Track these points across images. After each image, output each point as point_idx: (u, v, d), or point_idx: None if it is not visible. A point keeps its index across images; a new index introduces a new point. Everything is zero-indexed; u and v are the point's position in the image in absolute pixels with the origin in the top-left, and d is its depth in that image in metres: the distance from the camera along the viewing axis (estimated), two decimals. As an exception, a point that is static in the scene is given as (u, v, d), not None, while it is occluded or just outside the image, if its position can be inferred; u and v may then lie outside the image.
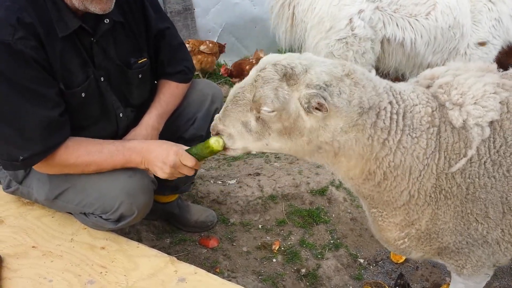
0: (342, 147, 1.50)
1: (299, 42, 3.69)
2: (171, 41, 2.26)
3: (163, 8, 5.62)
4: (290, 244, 2.78)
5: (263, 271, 2.59)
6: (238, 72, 4.66)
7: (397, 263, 2.69)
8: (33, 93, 1.73)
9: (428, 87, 1.65)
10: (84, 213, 2.03)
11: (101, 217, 1.98)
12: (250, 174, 3.26)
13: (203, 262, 2.57)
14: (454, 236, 1.64)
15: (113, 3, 1.84)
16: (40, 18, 1.75)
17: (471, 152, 1.52)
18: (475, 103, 1.53)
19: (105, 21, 1.91)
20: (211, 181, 3.18)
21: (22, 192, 2.15)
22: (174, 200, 2.69)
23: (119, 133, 2.14)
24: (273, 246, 2.75)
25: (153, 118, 2.17)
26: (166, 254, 1.98)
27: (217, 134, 1.65)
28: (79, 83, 1.89)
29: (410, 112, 1.53)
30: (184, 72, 2.31)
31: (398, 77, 3.70)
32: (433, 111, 1.55)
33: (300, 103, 1.45)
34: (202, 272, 1.88)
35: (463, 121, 1.53)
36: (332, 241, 2.82)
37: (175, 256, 1.99)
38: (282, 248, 2.75)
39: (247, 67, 4.55)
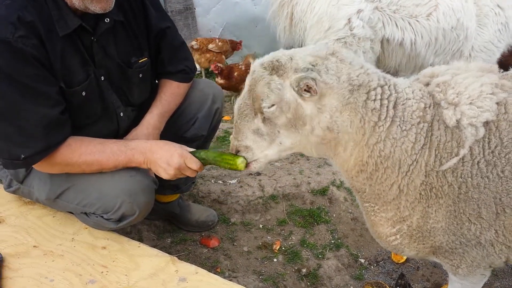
0: (340, 131, 1.55)
1: (298, 41, 3.69)
2: (172, 40, 2.26)
3: (164, 7, 5.64)
4: (291, 244, 2.78)
5: (264, 271, 2.59)
6: (228, 74, 4.51)
7: (398, 263, 2.69)
8: (34, 91, 1.73)
9: (427, 84, 1.66)
10: (85, 213, 2.03)
11: (102, 217, 1.98)
12: (251, 174, 3.26)
13: (204, 262, 2.57)
14: (447, 236, 1.64)
15: (113, 2, 1.84)
16: (40, 16, 1.75)
17: (463, 152, 1.53)
18: (470, 103, 1.54)
19: (105, 20, 1.91)
20: (212, 180, 3.18)
21: (23, 191, 2.16)
22: (175, 200, 2.69)
23: (120, 132, 2.14)
24: (274, 246, 2.75)
25: (154, 118, 2.17)
26: (167, 254, 1.98)
27: (238, 152, 1.70)
28: (80, 82, 1.89)
29: (402, 104, 1.55)
30: (185, 72, 2.30)
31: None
32: (425, 107, 1.56)
33: (293, 89, 1.50)
34: (203, 271, 1.88)
35: (457, 120, 1.54)
36: (333, 241, 2.82)
37: (176, 256, 1.99)
38: (283, 248, 2.75)
39: (236, 73, 4.51)
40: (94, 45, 1.92)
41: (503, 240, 1.62)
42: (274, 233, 2.86)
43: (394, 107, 1.54)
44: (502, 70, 1.72)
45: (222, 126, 4.20)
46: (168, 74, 2.28)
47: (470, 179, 1.54)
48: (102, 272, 1.87)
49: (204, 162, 1.88)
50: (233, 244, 2.75)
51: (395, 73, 3.70)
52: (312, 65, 1.50)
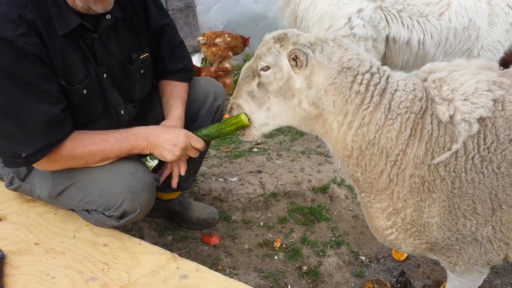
0: (325, 109, 1.65)
1: None
2: (172, 38, 2.28)
3: (164, 5, 5.65)
4: (292, 241, 2.79)
5: (264, 268, 2.59)
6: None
7: (398, 261, 2.70)
8: (35, 89, 1.73)
9: (425, 80, 1.68)
10: (87, 210, 2.04)
11: (103, 214, 1.98)
12: (251, 172, 3.26)
13: (205, 259, 2.58)
14: (442, 232, 1.65)
15: (113, 0, 1.85)
16: (40, 14, 1.75)
17: (456, 147, 1.55)
18: (465, 99, 1.56)
19: (106, 17, 1.91)
20: (213, 178, 3.18)
21: (24, 189, 2.16)
22: (176, 198, 2.69)
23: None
24: (275, 244, 2.76)
25: (179, 108, 2.20)
26: (168, 251, 1.98)
27: (231, 110, 1.88)
28: (80, 80, 1.89)
29: (391, 94, 1.61)
30: (184, 71, 2.32)
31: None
32: (414, 99, 1.60)
33: (287, 58, 1.66)
34: (204, 269, 1.88)
35: (450, 116, 1.56)
36: (333, 239, 2.83)
37: (177, 253, 2.00)
38: (284, 246, 2.75)
39: (203, 74, 4.51)
40: (96, 42, 1.92)
41: (501, 237, 1.62)
42: (275, 231, 2.86)
43: (381, 94, 1.60)
44: (502, 68, 1.72)
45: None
46: (167, 73, 2.29)
47: (464, 174, 1.55)
48: (103, 269, 1.87)
49: (207, 139, 2.02)
50: (234, 242, 2.76)
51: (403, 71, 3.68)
52: (311, 44, 1.65)
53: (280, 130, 4.04)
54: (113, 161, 1.94)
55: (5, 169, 2.15)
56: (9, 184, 2.19)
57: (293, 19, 3.55)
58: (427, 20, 3.28)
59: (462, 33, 3.33)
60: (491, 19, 3.41)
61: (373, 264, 2.72)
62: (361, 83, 1.60)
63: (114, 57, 2.01)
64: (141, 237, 2.57)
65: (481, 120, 1.54)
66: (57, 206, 2.18)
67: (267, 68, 1.69)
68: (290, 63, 1.66)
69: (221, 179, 3.17)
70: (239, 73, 1.89)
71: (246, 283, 2.16)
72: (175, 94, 2.25)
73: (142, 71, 2.14)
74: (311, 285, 2.54)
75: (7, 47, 1.67)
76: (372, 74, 1.62)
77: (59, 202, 2.09)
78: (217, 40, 4.96)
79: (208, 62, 5.83)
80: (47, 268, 1.87)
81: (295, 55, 1.62)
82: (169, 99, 2.22)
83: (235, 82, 2.15)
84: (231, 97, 1.88)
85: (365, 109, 1.60)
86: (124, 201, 1.91)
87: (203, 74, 4.50)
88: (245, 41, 5.15)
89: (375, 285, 2.48)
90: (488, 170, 1.53)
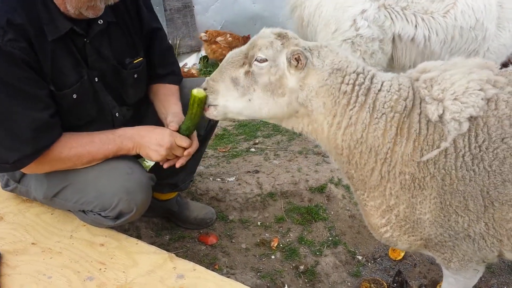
0: (314, 110, 1.68)
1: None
2: (161, 42, 2.29)
3: (162, 5, 5.65)
4: (289, 241, 2.79)
5: (261, 268, 2.60)
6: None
7: (395, 260, 2.70)
8: (23, 94, 1.72)
9: (417, 80, 1.69)
10: (83, 211, 2.04)
11: (100, 214, 1.98)
12: (249, 172, 3.27)
13: (202, 259, 2.58)
14: (434, 228, 1.67)
15: (104, 6, 1.84)
16: (30, 19, 1.73)
17: (444, 145, 1.56)
18: (455, 99, 1.57)
19: (98, 22, 1.91)
20: (210, 178, 3.18)
21: (20, 190, 2.16)
22: (173, 198, 2.70)
23: None
24: (272, 243, 2.76)
25: (178, 104, 2.20)
26: (165, 251, 1.98)
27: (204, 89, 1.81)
28: (71, 85, 1.88)
29: (375, 93, 1.64)
30: (174, 74, 2.35)
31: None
32: (398, 99, 1.63)
33: (286, 58, 1.67)
34: (201, 268, 1.89)
35: (439, 115, 1.57)
36: (330, 238, 2.83)
37: (174, 253, 2.00)
38: (281, 245, 2.76)
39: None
40: (87, 46, 1.91)
41: (493, 233, 1.64)
42: (272, 230, 2.87)
43: (366, 94, 1.65)
44: (501, 67, 1.72)
45: (221, 124, 4.21)
46: (158, 77, 2.30)
47: (454, 171, 1.57)
48: (100, 269, 1.87)
49: (189, 133, 1.97)
50: (231, 241, 2.76)
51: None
52: (310, 48, 1.70)
53: (277, 130, 4.04)
54: (109, 162, 1.94)
55: (0, 171, 2.15)
56: (5, 186, 2.19)
57: (300, 23, 3.57)
58: (432, 17, 3.27)
59: (468, 33, 3.32)
60: (501, 23, 3.40)
61: (370, 264, 2.73)
62: (348, 83, 1.65)
63: (107, 62, 2.00)
64: (139, 236, 2.58)
65: (472, 119, 1.55)
66: (54, 207, 2.18)
67: (264, 60, 1.67)
68: (287, 62, 1.67)
69: (219, 179, 3.18)
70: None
71: (243, 282, 2.16)
72: (169, 93, 2.25)
73: (135, 76, 2.13)
74: (308, 285, 2.55)
75: None
76: (358, 74, 1.66)
77: (55, 203, 2.09)
78: (218, 39, 5.00)
79: (206, 60, 5.85)
80: (44, 268, 1.87)
81: (299, 56, 1.64)
82: (164, 99, 2.22)
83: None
84: (208, 77, 1.80)
85: (351, 109, 1.64)
86: (120, 201, 1.91)
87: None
88: (246, 41, 5.17)
89: (372, 285, 2.49)
90: (479, 168, 1.55)
